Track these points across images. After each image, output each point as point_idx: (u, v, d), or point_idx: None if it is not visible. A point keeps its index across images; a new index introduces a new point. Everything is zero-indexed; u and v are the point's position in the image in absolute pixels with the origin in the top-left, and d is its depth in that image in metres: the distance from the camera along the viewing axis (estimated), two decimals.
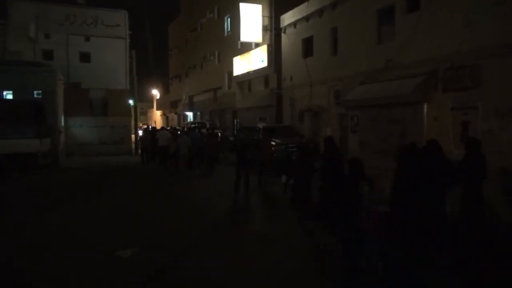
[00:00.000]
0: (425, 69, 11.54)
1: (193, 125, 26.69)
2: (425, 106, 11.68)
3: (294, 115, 19.79)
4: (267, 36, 22.36)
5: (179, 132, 19.16)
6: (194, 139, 16.22)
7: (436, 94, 11.33)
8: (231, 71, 27.07)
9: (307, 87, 18.27)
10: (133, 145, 23.66)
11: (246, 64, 24.75)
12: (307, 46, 18.82)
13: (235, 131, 24.90)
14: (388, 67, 13.14)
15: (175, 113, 44.47)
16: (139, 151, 20.52)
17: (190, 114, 38.33)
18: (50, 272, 5.38)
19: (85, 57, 30.04)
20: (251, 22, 22.15)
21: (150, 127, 26.03)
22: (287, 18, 20.12)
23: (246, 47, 24.46)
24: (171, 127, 28.10)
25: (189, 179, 13.79)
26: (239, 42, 24.49)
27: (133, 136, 24.70)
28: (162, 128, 22.72)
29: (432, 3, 11.50)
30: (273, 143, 13.93)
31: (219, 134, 20.11)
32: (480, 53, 9.89)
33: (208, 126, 25.96)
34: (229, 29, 28.31)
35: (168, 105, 46.46)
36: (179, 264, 5.69)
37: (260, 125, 17.83)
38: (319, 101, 17.51)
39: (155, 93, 54.55)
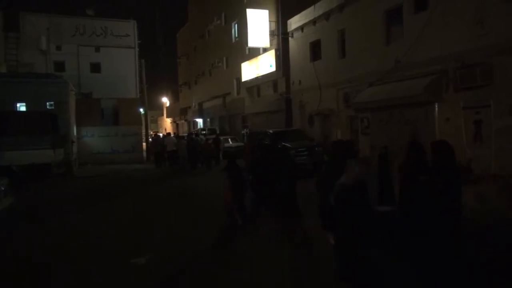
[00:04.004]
0: (435, 69, 11.44)
1: (203, 132, 27.35)
2: (436, 106, 11.57)
3: (304, 118, 19.76)
4: (275, 41, 22.42)
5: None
6: (195, 143, 18.70)
7: (447, 94, 11.21)
8: (239, 77, 27.20)
9: (316, 90, 18.24)
10: (144, 153, 23.84)
11: (254, 69, 24.84)
12: (315, 50, 18.81)
13: (244, 137, 24.97)
14: (397, 68, 13.06)
15: (185, 120, 44.77)
16: (151, 157, 21.39)
17: (200, 121, 38.54)
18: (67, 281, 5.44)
19: (95, 68, 30.40)
20: (258, 27, 22.23)
21: (161, 135, 26.51)
22: (294, 22, 20.15)
23: (254, 53, 24.56)
24: (175, 133, 29.10)
25: (200, 181, 13.84)
26: (247, 48, 24.62)
27: (144, 144, 24.90)
28: (168, 134, 23.07)
29: (441, 1, 11.42)
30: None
31: (221, 139, 21.13)
32: (492, 50, 9.78)
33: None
34: (236, 35, 28.48)
35: (178, 112, 46.82)
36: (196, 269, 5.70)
37: (270, 130, 17.66)
38: (328, 104, 17.46)
39: (165, 101, 55.08)
